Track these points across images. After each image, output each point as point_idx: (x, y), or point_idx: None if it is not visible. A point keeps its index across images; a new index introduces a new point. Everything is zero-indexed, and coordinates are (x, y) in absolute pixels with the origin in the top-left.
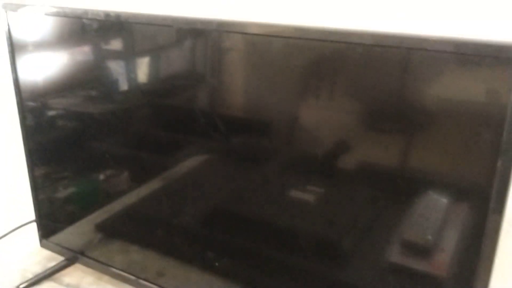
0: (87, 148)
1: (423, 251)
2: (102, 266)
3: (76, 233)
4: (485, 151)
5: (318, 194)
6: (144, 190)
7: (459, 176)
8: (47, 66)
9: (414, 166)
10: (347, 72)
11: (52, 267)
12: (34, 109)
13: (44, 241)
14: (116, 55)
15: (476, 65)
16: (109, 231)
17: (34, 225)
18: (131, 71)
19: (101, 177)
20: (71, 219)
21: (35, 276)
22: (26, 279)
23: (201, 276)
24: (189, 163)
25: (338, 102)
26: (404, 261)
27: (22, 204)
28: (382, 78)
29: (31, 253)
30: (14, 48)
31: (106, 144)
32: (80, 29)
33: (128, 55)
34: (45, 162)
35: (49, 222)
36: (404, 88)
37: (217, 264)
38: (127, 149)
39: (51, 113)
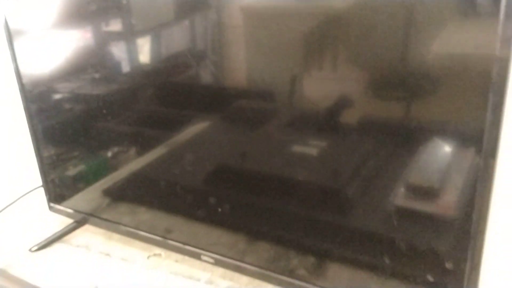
0: (92, 123)
1: (425, 193)
2: (111, 224)
3: (84, 198)
4: (478, 102)
5: (321, 148)
6: (150, 156)
7: (455, 125)
8: (46, 50)
9: (415, 116)
10: (343, 29)
11: (61, 229)
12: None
13: (52, 205)
14: (116, 35)
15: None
16: (117, 195)
17: (42, 191)
18: (131, 50)
19: (107, 149)
20: (79, 186)
21: (46, 239)
22: (37, 242)
23: (208, 229)
24: (193, 129)
25: (338, 59)
26: (406, 203)
27: (30, 171)
28: (381, 32)
29: (41, 218)
30: (11, 34)
31: (112, 119)
32: (77, 9)
33: (129, 34)
34: (52, 141)
35: (57, 188)
36: (405, 41)
37: (222, 217)
38: (132, 123)
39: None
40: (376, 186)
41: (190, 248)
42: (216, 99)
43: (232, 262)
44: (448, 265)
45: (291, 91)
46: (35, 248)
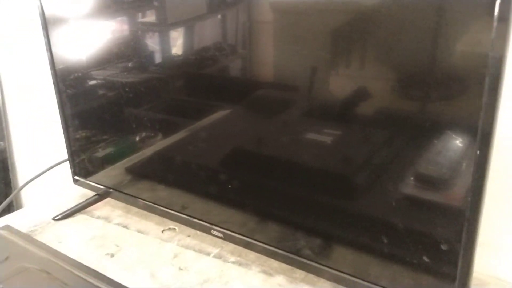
0: (121, 108)
1: (429, 183)
2: (131, 198)
3: (107, 174)
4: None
5: (334, 136)
6: (172, 139)
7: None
8: (80, 38)
9: (428, 111)
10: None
11: (84, 201)
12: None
13: (76, 179)
14: (150, 26)
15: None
16: (138, 173)
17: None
18: (164, 41)
19: (133, 132)
20: (103, 163)
21: (68, 209)
22: (61, 212)
23: (221, 208)
24: (215, 115)
25: (361, 55)
26: (415, 192)
27: (57, 146)
28: (408, 30)
29: (66, 190)
30: (46, 22)
31: (140, 105)
32: (114, 1)
33: (162, 26)
34: (80, 122)
35: (82, 163)
36: (430, 40)
37: (235, 196)
38: (159, 110)
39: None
40: (385, 174)
41: (201, 222)
42: (239, 89)
43: (240, 237)
44: (444, 247)
45: (311, 83)
46: (59, 217)
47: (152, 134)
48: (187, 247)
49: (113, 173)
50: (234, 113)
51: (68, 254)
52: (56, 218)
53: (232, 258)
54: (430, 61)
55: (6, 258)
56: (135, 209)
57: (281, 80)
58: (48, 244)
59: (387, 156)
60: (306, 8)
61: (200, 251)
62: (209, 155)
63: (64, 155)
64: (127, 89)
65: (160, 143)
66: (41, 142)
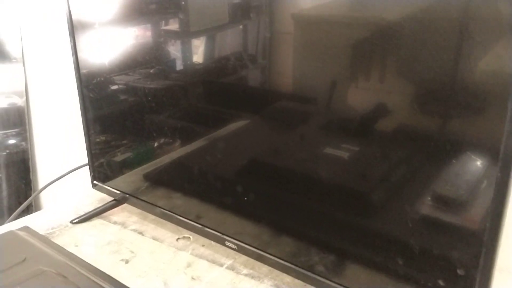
0: (141, 114)
1: (448, 204)
2: (148, 205)
3: (125, 181)
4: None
5: (352, 152)
6: (190, 147)
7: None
8: (105, 44)
9: (449, 130)
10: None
11: (101, 206)
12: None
13: (95, 183)
14: (173, 34)
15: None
16: (155, 180)
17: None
18: (186, 49)
19: (153, 138)
20: (121, 169)
21: (86, 213)
22: (78, 215)
23: (236, 219)
24: (233, 125)
25: (382, 70)
26: (429, 212)
27: (78, 149)
28: (429, 47)
29: (84, 194)
30: (73, 27)
31: (160, 112)
32: (138, 9)
33: (184, 34)
34: (102, 127)
35: (101, 168)
36: (452, 57)
37: (250, 208)
38: (179, 117)
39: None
40: (402, 193)
41: (215, 233)
42: (258, 99)
43: (254, 250)
44: (460, 271)
45: (331, 96)
46: (76, 220)
47: (171, 141)
48: (200, 256)
49: (131, 179)
50: (252, 124)
51: (84, 258)
52: (74, 222)
53: (245, 271)
54: (452, 78)
55: (24, 260)
56: (152, 216)
57: (300, 92)
58: (65, 247)
59: (405, 174)
60: (327, 20)
61: (213, 261)
62: (226, 165)
63: (85, 159)
64: (148, 95)
65: (178, 151)
66: (63, 145)
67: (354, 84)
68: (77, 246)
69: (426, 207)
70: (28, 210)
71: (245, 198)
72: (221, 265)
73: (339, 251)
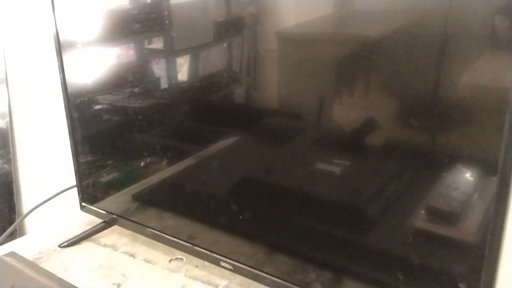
0: (127, 134)
1: (444, 217)
2: (138, 226)
3: (114, 201)
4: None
5: (344, 167)
6: (179, 166)
7: (473, 152)
8: (91, 63)
9: (438, 143)
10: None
11: (90, 228)
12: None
13: (84, 205)
14: (156, 53)
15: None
16: (145, 200)
17: (75, 191)
18: (170, 68)
19: (140, 158)
20: (110, 190)
21: (75, 236)
22: (67, 239)
23: (229, 238)
24: (222, 143)
25: (367, 86)
26: (424, 225)
27: (63, 171)
28: (413, 63)
29: (71, 217)
30: (60, 46)
31: (147, 131)
32: (123, 27)
33: (168, 53)
34: (89, 147)
35: (89, 189)
36: (436, 72)
37: (244, 227)
38: (166, 135)
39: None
40: (396, 207)
41: (210, 254)
42: (246, 117)
43: (250, 270)
44: (462, 286)
45: (319, 112)
46: (65, 244)
47: (159, 160)
48: (195, 278)
49: (120, 200)
50: (241, 141)
51: (74, 284)
52: (62, 245)
53: None
54: (435, 93)
55: (12, 287)
56: (142, 237)
57: (287, 109)
58: (54, 272)
59: (398, 188)
60: (312, 38)
61: (208, 283)
62: (216, 184)
63: (71, 181)
64: (137, 114)
65: (167, 170)
66: (48, 167)
67: (339, 100)
68: (66, 271)
69: (422, 221)
70: (12, 235)
71: (239, 217)
72: (216, 286)
73: (335, 267)
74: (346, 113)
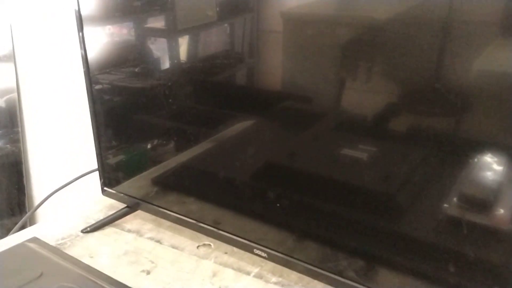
0: (150, 115)
1: (478, 205)
2: (163, 211)
3: (136, 186)
4: None
5: (371, 153)
6: (198, 150)
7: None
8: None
9: (466, 129)
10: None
11: (114, 213)
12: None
13: (105, 189)
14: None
15: None
16: (167, 184)
17: (97, 174)
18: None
19: (160, 141)
20: (132, 173)
21: (98, 221)
22: (89, 224)
23: (255, 224)
24: (239, 126)
25: (388, 72)
26: (458, 213)
27: (87, 155)
28: (420, 45)
29: (94, 201)
30: (82, 21)
31: (160, 114)
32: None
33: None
34: (112, 132)
35: (111, 173)
36: (441, 58)
37: (271, 213)
38: (187, 119)
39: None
40: (428, 194)
41: (243, 240)
42: (263, 100)
43: (285, 257)
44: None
45: (325, 95)
46: (88, 229)
47: (180, 143)
48: (225, 265)
49: (143, 184)
50: (260, 125)
51: (102, 271)
52: (85, 231)
53: (274, 279)
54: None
55: (41, 275)
56: (167, 223)
57: (305, 92)
58: (79, 259)
59: (428, 175)
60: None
61: (239, 269)
62: (240, 168)
63: (85, 163)
64: (156, 94)
65: (188, 153)
66: (58, 148)
67: (350, 84)
68: (92, 257)
69: (454, 208)
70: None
71: (266, 202)
72: (248, 273)
73: (367, 255)
74: (363, 98)
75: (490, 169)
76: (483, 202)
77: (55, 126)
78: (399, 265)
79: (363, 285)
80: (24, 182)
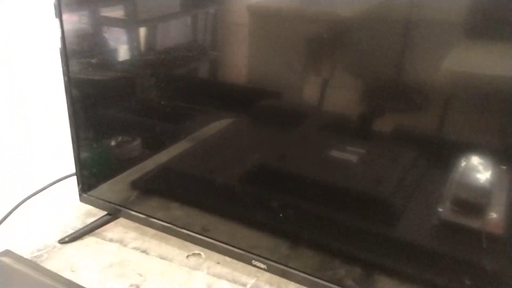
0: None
1: (472, 209)
2: (146, 219)
3: (116, 191)
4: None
5: (359, 155)
6: (174, 149)
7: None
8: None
9: (451, 131)
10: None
11: (94, 221)
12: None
13: (84, 195)
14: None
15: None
16: (149, 188)
17: (71, 180)
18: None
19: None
20: (109, 176)
21: (76, 230)
22: (66, 233)
23: (247, 232)
24: (218, 125)
25: (352, 67)
26: (452, 217)
27: (61, 158)
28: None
29: (69, 208)
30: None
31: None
32: None
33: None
34: (87, 121)
35: (90, 176)
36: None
37: (261, 220)
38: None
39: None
40: (418, 197)
41: (238, 251)
42: (235, 96)
43: (282, 267)
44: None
45: (292, 91)
46: (66, 239)
47: (156, 142)
48: (219, 276)
49: (124, 188)
50: (238, 123)
51: (86, 286)
52: (62, 241)
53: None
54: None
55: None
56: (151, 231)
57: (271, 86)
58: (60, 273)
59: (420, 178)
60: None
61: (234, 281)
62: (220, 169)
63: (61, 167)
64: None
65: (166, 153)
66: (22, 147)
67: (315, 79)
68: (73, 271)
69: (447, 211)
70: None
71: (257, 209)
72: (244, 285)
73: (365, 262)
74: (329, 93)
75: (477, 172)
76: (475, 206)
77: (26, 126)
78: (398, 271)
79: None
80: None
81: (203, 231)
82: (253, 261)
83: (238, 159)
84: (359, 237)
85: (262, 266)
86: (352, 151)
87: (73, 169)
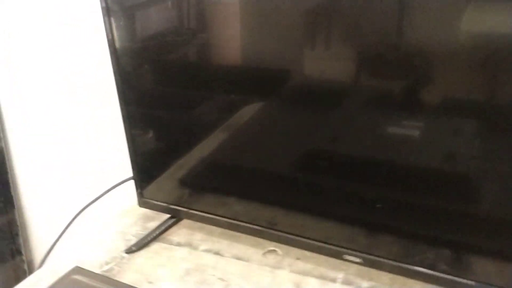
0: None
1: None
2: (210, 217)
3: (173, 191)
4: None
5: (419, 129)
6: (218, 141)
7: None
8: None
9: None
10: None
11: (158, 226)
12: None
13: (143, 199)
14: None
15: None
16: (203, 185)
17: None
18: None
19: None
20: (167, 177)
21: (143, 238)
22: (130, 242)
23: (317, 222)
24: (254, 111)
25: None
26: None
27: (115, 163)
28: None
29: (125, 214)
30: None
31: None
32: None
33: None
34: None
35: (148, 179)
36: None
37: (331, 208)
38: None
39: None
40: (499, 168)
41: (329, 246)
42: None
43: (377, 259)
44: None
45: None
46: (133, 248)
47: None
48: (304, 273)
49: (185, 187)
50: (275, 107)
51: None
52: (129, 251)
53: (365, 283)
54: None
55: None
56: (217, 230)
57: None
58: (138, 286)
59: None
60: None
61: (322, 277)
62: (272, 159)
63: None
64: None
65: (206, 148)
66: (45, 151)
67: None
68: (151, 282)
69: None
70: (13, 239)
71: (326, 198)
72: (334, 280)
73: (451, 243)
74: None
75: None
76: None
77: (43, 125)
78: (490, 249)
79: (459, 277)
80: (12, 193)
81: (271, 225)
82: (344, 255)
83: (283, 146)
84: (442, 217)
85: (357, 260)
86: (410, 126)
87: (120, 176)
